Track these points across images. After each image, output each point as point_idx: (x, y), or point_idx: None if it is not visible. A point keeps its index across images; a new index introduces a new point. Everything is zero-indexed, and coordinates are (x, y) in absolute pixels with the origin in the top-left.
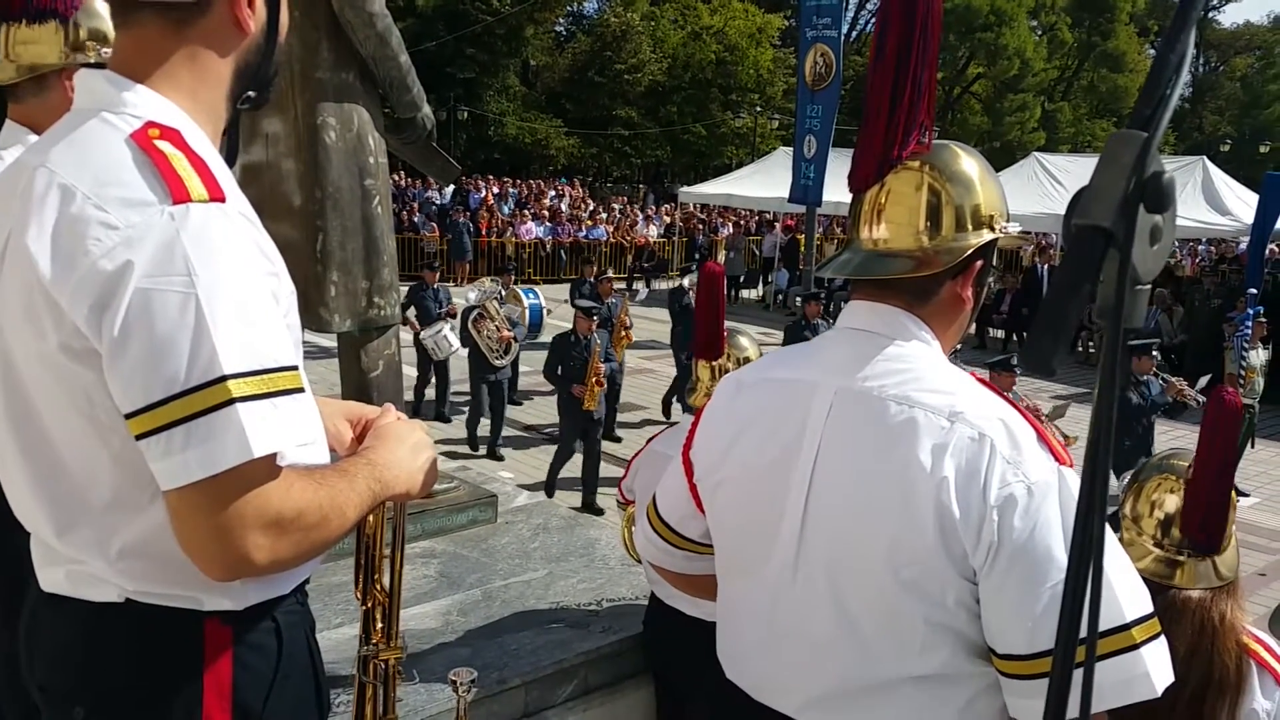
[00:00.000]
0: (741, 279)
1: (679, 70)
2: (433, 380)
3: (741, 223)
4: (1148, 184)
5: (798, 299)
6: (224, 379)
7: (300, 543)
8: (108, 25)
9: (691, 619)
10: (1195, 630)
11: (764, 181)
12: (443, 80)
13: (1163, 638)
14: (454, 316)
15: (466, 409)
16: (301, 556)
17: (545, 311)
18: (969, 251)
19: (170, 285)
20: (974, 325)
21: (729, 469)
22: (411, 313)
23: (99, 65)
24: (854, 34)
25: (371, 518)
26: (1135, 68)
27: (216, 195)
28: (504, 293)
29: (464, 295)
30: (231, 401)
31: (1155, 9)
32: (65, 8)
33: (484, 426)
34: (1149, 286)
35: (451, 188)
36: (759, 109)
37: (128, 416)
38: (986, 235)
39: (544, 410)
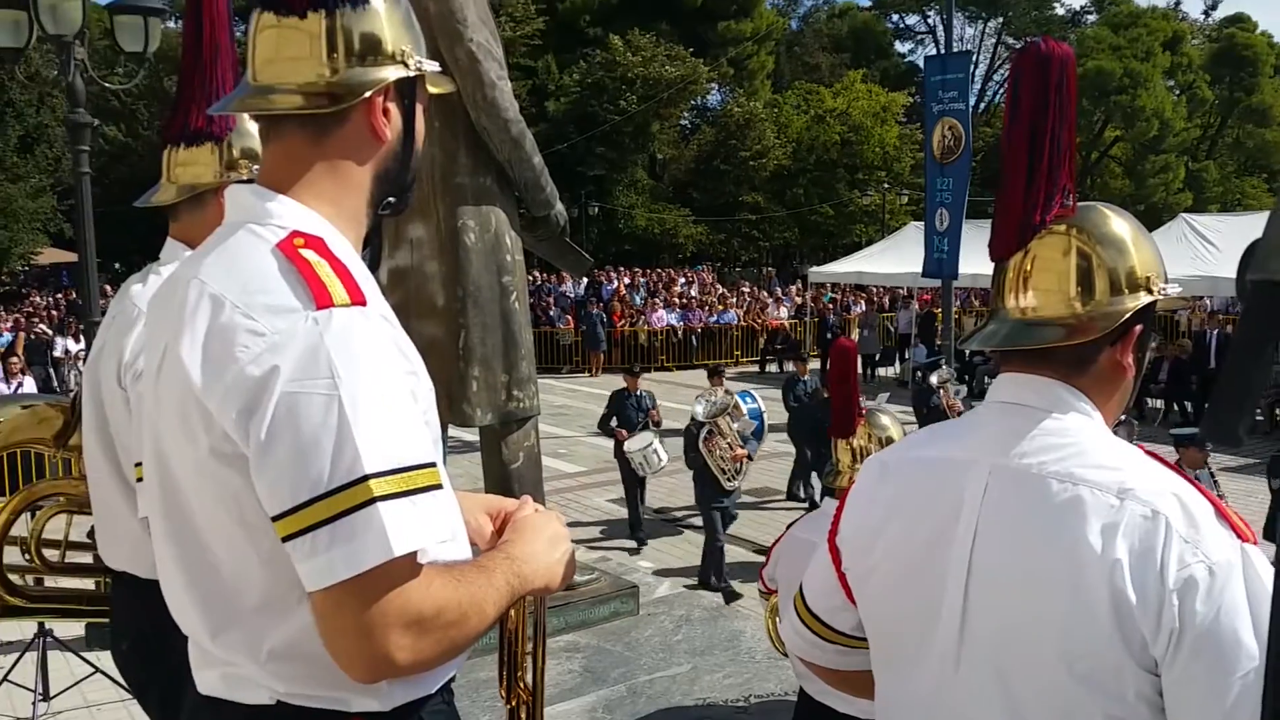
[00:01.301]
0: (877, 357)
1: (803, 153)
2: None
3: (875, 300)
4: None
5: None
6: (366, 479)
7: (441, 641)
8: (258, 143)
9: (843, 716)
10: None
11: (896, 257)
12: (574, 178)
13: None
14: (657, 425)
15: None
16: (442, 656)
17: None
18: (1126, 316)
19: (315, 388)
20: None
21: (879, 555)
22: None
23: (249, 181)
24: (982, 105)
25: (513, 612)
26: None
27: (358, 299)
28: (729, 402)
29: (689, 404)
30: (373, 501)
31: None
32: (220, 130)
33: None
34: None
35: (585, 280)
36: (887, 186)
37: (274, 519)
38: (1144, 298)
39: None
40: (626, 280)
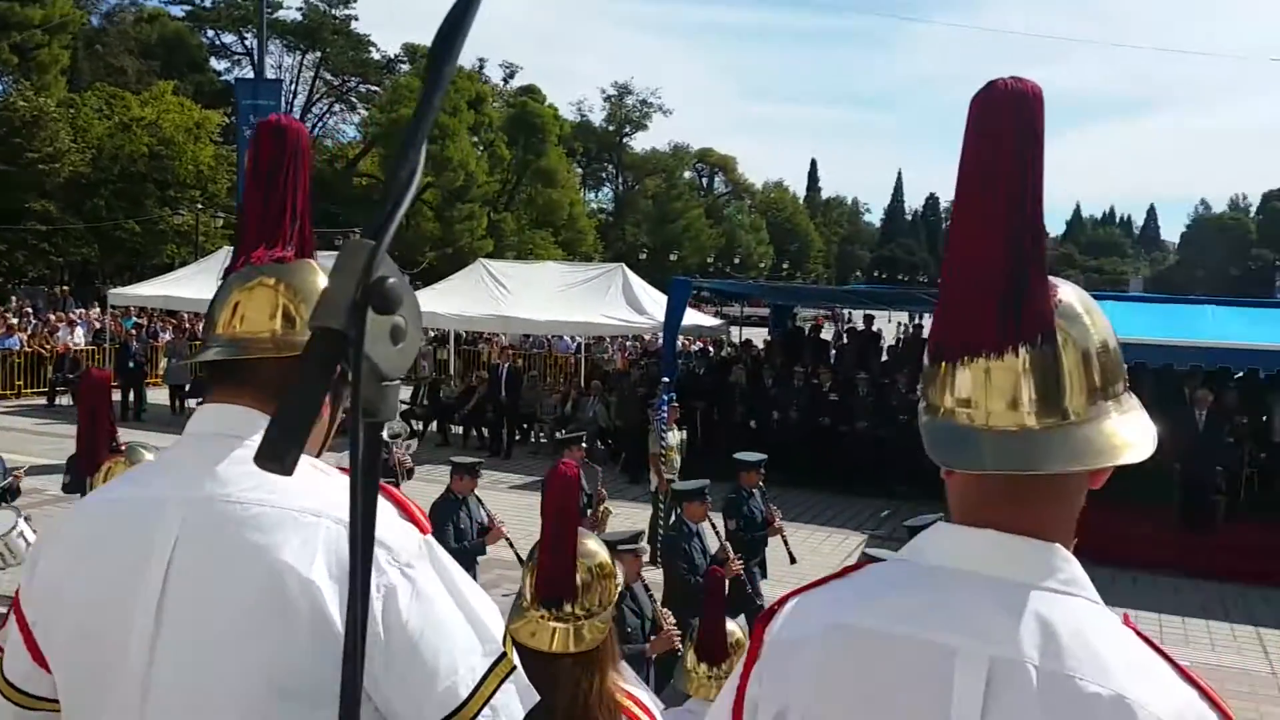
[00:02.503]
0: (187, 388)
1: (106, 162)
2: None
3: (187, 327)
4: (373, 289)
5: None
6: None
7: None
8: None
9: None
10: (568, 703)
11: (209, 282)
12: None
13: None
14: (15, 496)
15: None
16: None
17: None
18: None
19: None
20: (436, 422)
21: (61, 607)
22: None
23: None
24: None
25: None
26: (565, 184)
27: None
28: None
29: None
30: None
31: (579, 133)
32: None
33: None
34: (397, 382)
35: None
36: (200, 206)
37: None
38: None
39: None
40: None
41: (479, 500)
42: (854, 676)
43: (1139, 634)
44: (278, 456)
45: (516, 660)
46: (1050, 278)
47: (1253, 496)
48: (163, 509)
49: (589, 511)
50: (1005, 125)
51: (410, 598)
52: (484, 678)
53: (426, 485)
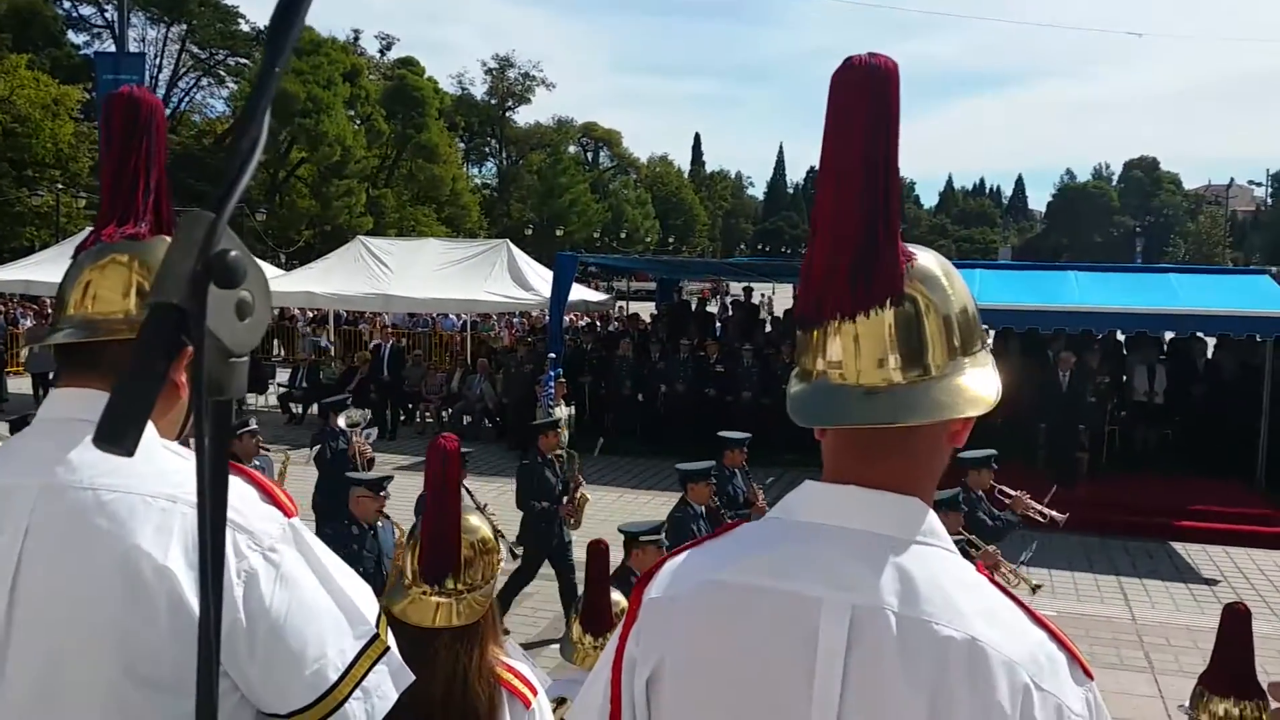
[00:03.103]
0: (51, 376)
1: None
2: None
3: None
4: (215, 262)
5: None
6: None
7: None
8: None
9: None
10: (447, 677)
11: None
12: None
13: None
14: None
15: None
16: None
17: None
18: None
19: None
20: (316, 405)
21: None
22: None
23: None
24: (168, 112)
25: None
26: (447, 159)
27: None
28: None
29: None
30: None
31: (460, 106)
32: None
33: None
34: (246, 359)
35: None
36: (61, 186)
37: None
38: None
39: None
40: None
41: (466, 489)
42: (724, 629)
43: (993, 581)
44: (116, 438)
45: (391, 641)
46: (910, 246)
47: (1114, 453)
48: (13, 497)
49: (565, 499)
50: (860, 102)
51: (273, 582)
52: (355, 660)
53: (306, 469)
